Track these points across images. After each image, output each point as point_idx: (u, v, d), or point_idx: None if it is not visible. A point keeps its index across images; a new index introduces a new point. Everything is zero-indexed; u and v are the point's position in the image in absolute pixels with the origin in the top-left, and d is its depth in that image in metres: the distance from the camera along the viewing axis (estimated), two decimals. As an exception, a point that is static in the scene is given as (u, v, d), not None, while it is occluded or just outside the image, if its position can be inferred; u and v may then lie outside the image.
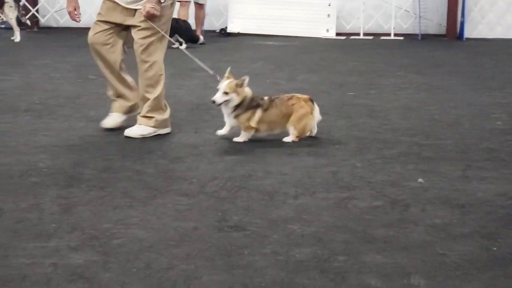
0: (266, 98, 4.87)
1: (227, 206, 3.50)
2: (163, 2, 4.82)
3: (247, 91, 4.78)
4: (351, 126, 5.36)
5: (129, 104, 5.22)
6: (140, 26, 4.91)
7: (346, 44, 11.97)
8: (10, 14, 11.90)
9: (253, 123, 4.75)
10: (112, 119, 5.21)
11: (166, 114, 5.10)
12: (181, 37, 10.63)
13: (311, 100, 4.91)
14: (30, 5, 14.03)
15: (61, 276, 2.66)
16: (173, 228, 3.19)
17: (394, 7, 12.84)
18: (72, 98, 6.56)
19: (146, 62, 4.96)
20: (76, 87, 7.24)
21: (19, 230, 3.14)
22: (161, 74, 5.06)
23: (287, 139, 4.84)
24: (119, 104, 5.22)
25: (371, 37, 12.69)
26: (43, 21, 14.44)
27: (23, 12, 12.99)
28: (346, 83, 7.47)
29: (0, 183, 3.86)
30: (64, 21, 14.21)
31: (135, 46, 4.97)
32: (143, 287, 2.58)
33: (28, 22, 13.14)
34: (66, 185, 3.83)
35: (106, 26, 5.04)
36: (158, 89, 5.01)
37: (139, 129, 5.00)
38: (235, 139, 4.83)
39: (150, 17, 4.79)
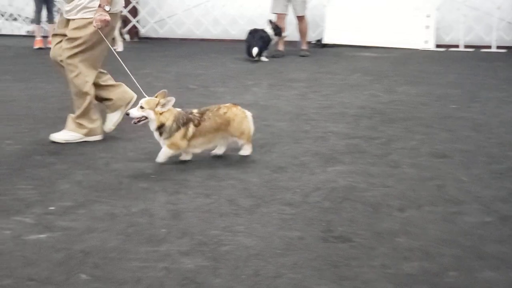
0: (195, 111, 4.59)
1: (331, 216, 3.51)
2: (109, 11, 4.89)
3: (172, 112, 4.48)
4: (454, 139, 5.25)
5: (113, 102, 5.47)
6: (67, 36, 5.06)
7: (446, 56, 11.73)
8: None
9: (186, 141, 4.46)
10: (108, 121, 5.43)
11: (96, 124, 5.26)
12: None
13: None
14: (131, 16, 14.49)
15: (173, 280, 2.74)
16: (279, 236, 3.23)
17: (496, 19, 12.49)
18: (175, 107, 6.70)
19: (72, 71, 5.10)
20: (178, 96, 7.34)
21: (131, 234, 3.25)
22: (85, 91, 5.18)
23: (243, 153, 4.71)
24: (107, 105, 5.46)
25: (472, 49, 12.39)
26: (143, 31, 14.88)
27: (122, 25, 13.44)
28: (446, 96, 7.33)
29: (111, 188, 4.00)
30: (164, 31, 14.60)
31: (62, 53, 5.10)
32: (254, 294, 2.63)
33: (128, 36, 13.59)
34: (174, 192, 3.93)
35: (59, 39, 5.22)
36: (84, 104, 5.18)
37: (65, 135, 5.20)
38: (157, 160, 4.53)
39: (102, 24, 4.87)
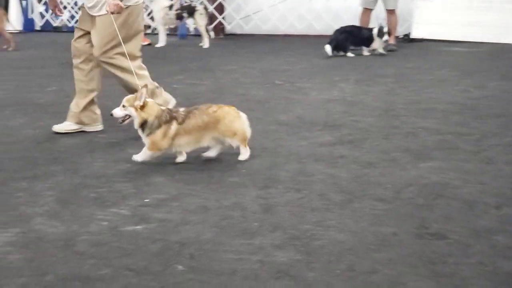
0: (182, 109, 4.48)
1: (425, 213, 3.45)
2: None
3: (154, 107, 4.37)
4: (552, 135, 5.06)
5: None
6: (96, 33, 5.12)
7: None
8: (201, 21, 12.50)
9: (168, 140, 4.33)
10: None
11: (96, 114, 5.45)
12: (359, 44, 10.65)
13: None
14: (218, 12, 14.64)
15: (267, 272, 2.76)
16: (372, 232, 3.20)
17: None
18: (262, 102, 6.76)
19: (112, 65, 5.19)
20: (265, 91, 7.45)
21: (224, 226, 3.29)
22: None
23: (242, 158, 4.51)
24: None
25: None
26: (229, 28, 15.02)
27: (208, 22, 13.60)
28: (542, 91, 7.08)
29: (203, 182, 4.05)
30: (249, 28, 14.69)
31: (94, 52, 5.19)
32: (349, 288, 2.61)
33: (213, 34, 13.76)
34: (264, 186, 3.95)
35: (82, 33, 5.30)
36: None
37: (65, 125, 5.36)
38: (134, 157, 4.44)
39: (115, 9, 4.86)
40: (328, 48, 10.46)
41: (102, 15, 5.04)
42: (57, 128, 5.37)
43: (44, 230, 3.23)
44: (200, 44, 12.67)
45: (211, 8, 14.39)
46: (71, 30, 17.56)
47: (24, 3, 17.31)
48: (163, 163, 4.47)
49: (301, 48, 11.90)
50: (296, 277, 2.71)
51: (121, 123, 4.44)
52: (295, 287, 2.63)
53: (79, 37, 5.29)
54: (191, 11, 12.69)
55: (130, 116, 4.37)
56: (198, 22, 12.65)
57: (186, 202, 3.68)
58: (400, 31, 12.89)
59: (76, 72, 5.35)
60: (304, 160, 4.53)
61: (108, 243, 3.08)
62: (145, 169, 4.33)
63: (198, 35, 13.62)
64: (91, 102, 5.39)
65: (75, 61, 5.32)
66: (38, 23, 17.87)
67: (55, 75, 8.98)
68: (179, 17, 12.79)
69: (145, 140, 4.38)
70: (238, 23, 14.85)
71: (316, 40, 12.82)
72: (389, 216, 3.41)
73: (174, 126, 4.34)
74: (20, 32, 16.29)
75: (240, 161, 4.48)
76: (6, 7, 15.03)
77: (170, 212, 3.51)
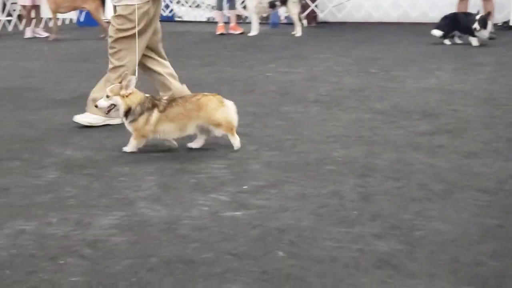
0: (165, 98, 4.55)
1: (531, 205, 3.34)
2: None
3: (137, 95, 4.40)
4: None
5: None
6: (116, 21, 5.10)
7: None
8: (294, 9, 12.47)
9: (150, 126, 4.37)
10: None
11: None
12: (461, 31, 10.34)
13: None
14: (310, 1, 14.57)
15: (368, 261, 2.73)
16: (475, 223, 3.12)
17: None
18: (356, 90, 6.70)
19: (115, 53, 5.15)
20: (359, 80, 7.38)
21: (323, 214, 3.29)
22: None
23: (235, 147, 4.48)
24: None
25: None
26: (321, 16, 14.92)
27: (302, 10, 13.56)
28: None
29: (300, 169, 4.06)
30: (342, 16, 14.56)
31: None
32: (453, 279, 2.56)
33: (305, 22, 13.71)
34: (362, 175, 3.92)
35: None
36: None
37: (87, 117, 5.21)
38: (124, 149, 4.49)
39: None
40: (436, 32, 10.19)
41: (122, 5, 5.06)
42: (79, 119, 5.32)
43: (147, 214, 3.32)
44: (293, 33, 12.65)
45: (304, -4, 14.34)
46: (165, 19, 17.94)
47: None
48: (258, 150, 4.50)
49: (395, 36, 11.70)
50: (397, 267, 2.68)
51: (107, 113, 4.51)
52: (397, 277, 2.60)
53: None
54: (284, -1, 12.67)
55: (115, 105, 4.40)
56: (291, 10, 12.62)
57: (284, 189, 3.69)
58: (499, 19, 12.47)
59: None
60: (402, 149, 4.47)
61: (209, 228, 3.13)
62: (242, 156, 4.36)
63: (290, 24, 13.60)
64: None
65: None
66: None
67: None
68: (272, 5, 12.79)
69: (128, 127, 4.45)
70: (331, 10, 14.72)
71: (411, 28, 12.58)
72: (493, 208, 3.32)
73: (155, 113, 4.38)
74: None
75: (336, 149, 4.46)
76: (103, -2, 15.46)
77: (268, 199, 3.53)
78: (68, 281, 2.58)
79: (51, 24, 13.22)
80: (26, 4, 12.93)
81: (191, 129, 4.46)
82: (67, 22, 16.41)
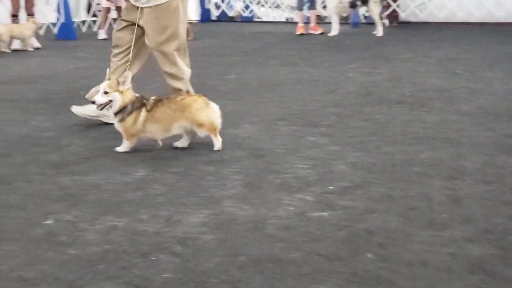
0: (152, 98, 4.50)
1: None
2: None
3: (131, 92, 4.44)
4: None
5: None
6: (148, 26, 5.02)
7: None
8: (375, 9, 12.36)
9: (138, 126, 4.42)
10: None
11: None
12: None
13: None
14: (392, 0, 14.39)
15: (460, 265, 2.68)
16: None
17: None
18: (441, 91, 6.57)
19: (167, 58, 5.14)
20: (443, 80, 7.24)
21: (411, 217, 3.24)
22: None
23: (215, 148, 4.53)
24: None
25: None
26: (403, 16, 14.72)
27: (384, 9, 13.42)
28: None
29: (385, 171, 4.01)
30: (424, 15, 14.32)
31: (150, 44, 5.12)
32: (552, 287, 2.48)
33: (387, 22, 13.54)
34: (450, 177, 3.84)
35: (125, 24, 5.18)
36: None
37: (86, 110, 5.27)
38: (117, 149, 4.53)
39: None
40: None
41: (150, 6, 4.99)
42: (76, 110, 5.39)
43: (234, 213, 3.34)
44: (374, 33, 12.54)
45: (385, -5, 14.20)
46: (245, 20, 18.11)
47: (202, -6, 17.97)
48: (342, 150, 4.47)
49: (479, 37, 11.43)
50: (491, 272, 2.61)
51: (101, 109, 4.47)
52: (492, 282, 2.53)
53: (122, 28, 5.22)
54: (365, -1, 12.57)
55: (111, 101, 4.38)
56: (372, 10, 12.52)
57: (370, 190, 3.66)
58: None
59: (113, 60, 5.26)
60: (491, 151, 4.35)
61: (296, 228, 3.13)
62: (326, 157, 4.35)
63: (370, 24, 13.49)
64: None
65: (115, 51, 5.26)
66: (214, 13, 18.49)
67: (233, 63, 9.27)
68: (353, 5, 12.71)
69: (117, 126, 4.48)
70: (412, 10, 14.51)
71: (496, 28, 12.27)
72: None
73: (143, 113, 4.42)
74: (197, 22, 16.93)
75: (422, 151, 4.39)
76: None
77: (355, 200, 3.50)
78: (160, 277, 2.63)
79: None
80: (105, 6, 13.26)
81: (175, 129, 4.52)
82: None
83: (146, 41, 5.07)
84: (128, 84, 4.42)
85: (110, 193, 3.67)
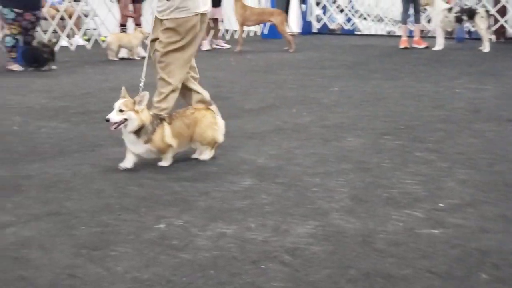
0: (165, 113, 4.58)
1: None
2: None
3: (148, 112, 4.35)
4: None
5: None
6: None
7: None
8: (482, 24, 12.05)
9: (167, 139, 4.37)
10: None
11: None
12: None
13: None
14: (500, 15, 14.00)
15: None
16: None
17: None
18: None
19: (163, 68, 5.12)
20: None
21: None
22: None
23: (202, 157, 4.59)
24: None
25: None
26: (511, 31, 14.27)
27: (491, 24, 13.08)
28: None
29: (498, 190, 3.89)
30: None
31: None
32: None
33: (493, 37, 13.18)
34: None
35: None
36: None
37: None
38: (160, 164, 4.45)
39: None
40: None
41: (170, 18, 5.02)
42: None
43: (342, 225, 3.33)
44: (480, 48, 12.22)
45: (493, 11, 13.81)
46: (346, 32, 18.04)
47: (303, 6, 18.04)
48: (452, 168, 4.37)
49: None
50: None
51: (115, 128, 4.26)
52: None
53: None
54: (471, 14, 12.26)
55: (126, 120, 4.24)
56: (478, 26, 12.20)
57: (482, 209, 3.55)
58: None
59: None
60: None
61: (405, 244, 3.08)
62: (434, 173, 4.26)
63: (475, 39, 13.16)
64: None
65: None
66: (315, 26, 18.52)
67: (335, 76, 9.25)
68: (458, 20, 12.43)
69: (141, 148, 4.34)
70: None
71: None
72: None
73: (166, 126, 4.39)
74: (298, 35, 17.02)
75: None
76: (286, 11, 15.83)
77: (466, 218, 3.41)
78: (270, 285, 2.64)
79: (236, 36, 13.74)
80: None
81: (187, 144, 4.59)
82: (251, 34, 16.96)
83: (156, 47, 5.14)
84: (145, 104, 4.30)
85: (219, 200, 3.73)
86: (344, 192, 3.89)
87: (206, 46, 13.50)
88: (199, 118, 4.54)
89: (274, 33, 14.87)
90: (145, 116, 4.30)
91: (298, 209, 3.58)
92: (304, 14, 18.26)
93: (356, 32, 18.78)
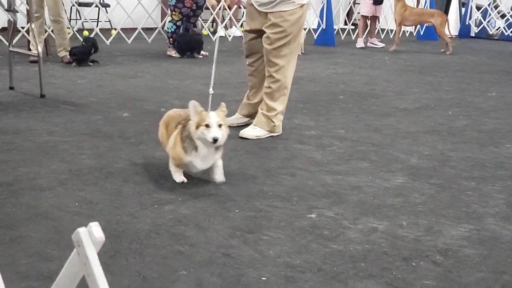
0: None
1: None
2: None
3: None
4: None
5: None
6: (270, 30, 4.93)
7: None
8: None
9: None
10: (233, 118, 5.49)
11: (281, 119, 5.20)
12: None
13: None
14: None
15: None
16: None
17: None
18: None
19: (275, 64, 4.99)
20: None
21: None
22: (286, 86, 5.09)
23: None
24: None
25: None
26: None
27: None
28: None
29: None
30: None
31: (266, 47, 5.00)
32: None
33: None
34: None
35: (252, 35, 5.15)
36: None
37: (254, 131, 5.09)
38: (218, 180, 3.88)
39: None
40: None
41: (275, 11, 4.87)
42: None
43: (498, 231, 3.23)
44: None
45: None
46: (506, 38, 17.30)
47: (463, 9, 17.52)
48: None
49: None
50: None
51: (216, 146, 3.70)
52: None
53: (252, 39, 5.15)
54: None
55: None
56: None
57: None
58: None
59: (249, 68, 5.33)
60: None
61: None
62: (491, 189, 4.04)
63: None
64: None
65: (249, 60, 5.29)
66: (474, 30, 17.92)
67: (493, 81, 8.93)
68: None
69: (211, 160, 3.77)
70: None
71: None
72: None
73: None
74: (455, 37, 16.55)
75: None
76: (446, 12, 15.44)
77: None
78: (421, 283, 2.62)
79: (391, 35, 13.58)
80: (366, 15, 13.44)
81: None
82: (407, 34, 16.71)
83: (264, 43, 5.01)
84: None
85: (370, 195, 3.74)
86: (500, 198, 3.78)
87: (360, 43, 13.45)
88: None
89: (430, 34, 14.55)
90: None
91: (452, 211, 3.52)
92: (464, 17, 17.72)
93: (518, 38, 17.97)
